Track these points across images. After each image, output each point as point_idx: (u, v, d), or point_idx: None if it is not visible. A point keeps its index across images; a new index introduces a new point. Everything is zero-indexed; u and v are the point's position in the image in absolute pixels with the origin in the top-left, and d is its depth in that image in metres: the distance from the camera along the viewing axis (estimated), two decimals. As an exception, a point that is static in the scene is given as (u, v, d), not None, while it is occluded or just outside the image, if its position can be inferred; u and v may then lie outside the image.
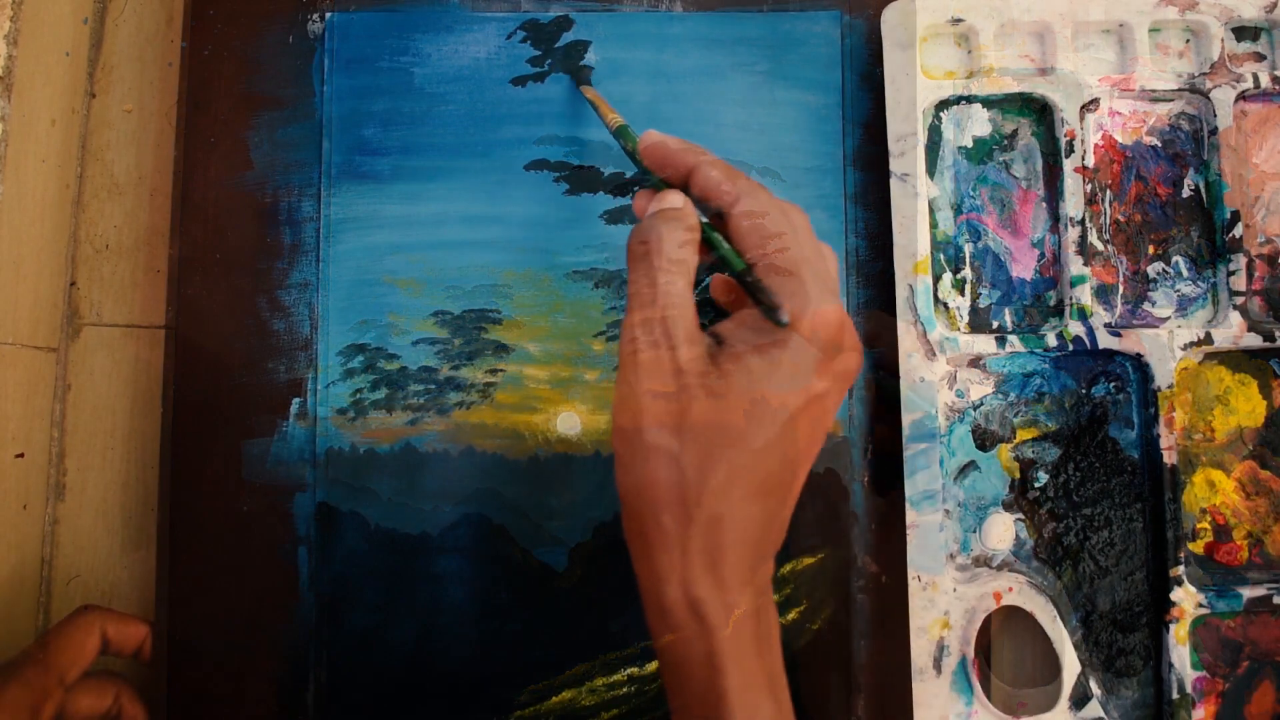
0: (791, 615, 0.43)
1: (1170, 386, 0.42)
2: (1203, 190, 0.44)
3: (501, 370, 0.43)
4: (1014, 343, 0.42)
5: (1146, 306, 0.44)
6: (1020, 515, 0.43)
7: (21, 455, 0.43)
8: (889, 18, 0.43)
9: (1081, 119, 0.43)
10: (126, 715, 0.40)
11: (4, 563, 0.42)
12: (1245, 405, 0.44)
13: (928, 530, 0.41)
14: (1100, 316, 0.43)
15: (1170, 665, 0.41)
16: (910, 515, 0.41)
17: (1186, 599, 0.41)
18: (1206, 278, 0.44)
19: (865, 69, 0.45)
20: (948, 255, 0.44)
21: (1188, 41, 0.44)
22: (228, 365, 0.43)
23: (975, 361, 0.43)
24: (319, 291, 0.44)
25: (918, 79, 0.43)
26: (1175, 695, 0.41)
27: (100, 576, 0.44)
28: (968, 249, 0.44)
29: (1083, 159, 0.43)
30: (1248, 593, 0.41)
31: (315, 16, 0.45)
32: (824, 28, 0.45)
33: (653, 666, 0.42)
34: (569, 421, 0.43)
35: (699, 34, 0.45)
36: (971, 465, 0.43)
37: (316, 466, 0.43)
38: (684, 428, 0.30)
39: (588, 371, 0.44)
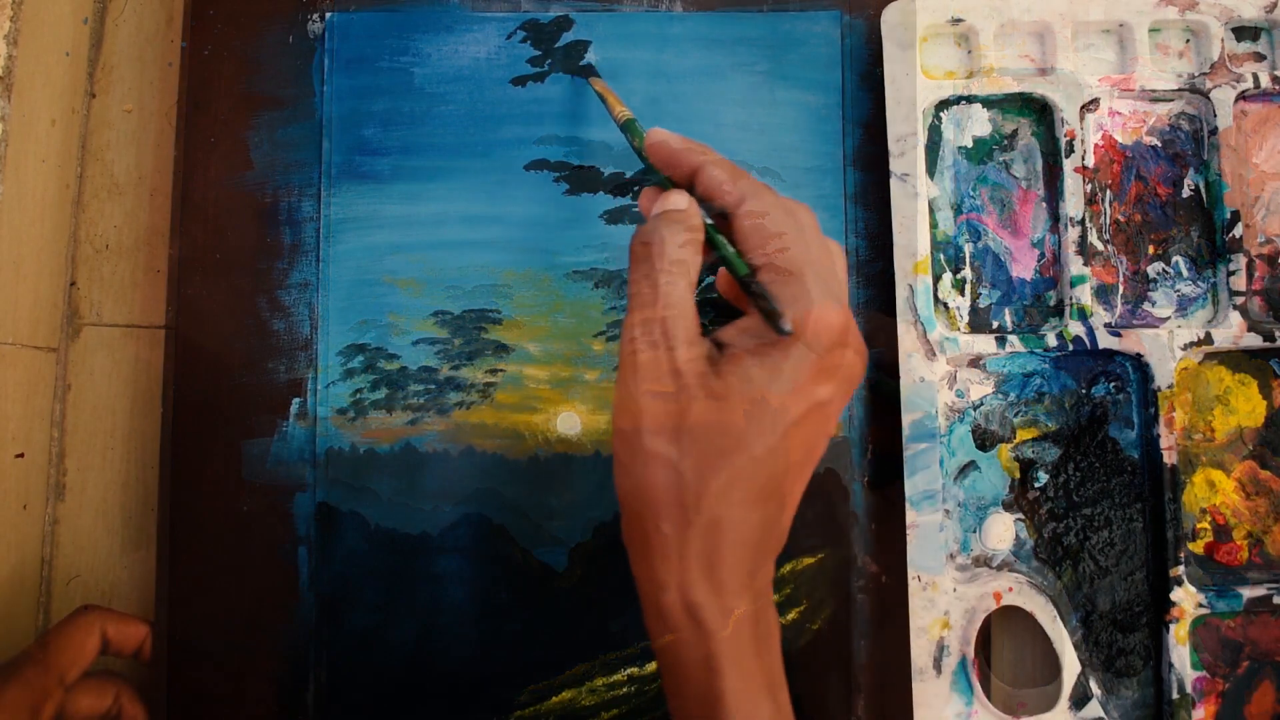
0: (791, 615, 0.43)
1: (1170, 386, 0.42)
2: (1203, 190, 0.44)
3: (501, 370, 0.43)
4: (1014, 343, 0.42)
5: (1146, 306, 0.44)
6: (1020, 515, 0.43)
7: (21, 455, 0.43)
8: (889, 18, 0.43)
9: (1081, 119, 0.43)
10: (126, 715, 0.40)
11: (4, 563, 0.42)
12: (1245, 405, 0.44)
13: (928, 530, 0.41)
14: (1100, 316, 0.43)
15: (1170, 665, 0.41)
16: (910, 515, 0.41)
17: (1186, 599, 0.41)
18: (1206, 278, 0.44)
19: (865, 69, 0.45)
20: (948, 255, 0.44)
21: (1188, 41, 0.44)
22: (228, 365, 0.43)
23: (975, 361, 0.43)
24: (319, 291, 0.44)
25: (918, 79, 0.43)
26: (1175, 695, 0.41)
27: (100, 576, 0.44)
28: (968, 249, 0.44)
29: (1083, 159, 0.43)
30: (1248, 593, 0.41)
31: (315, 16, 0.45)
32: (824, 28, 0.45)
33: (652, 666, 0.42)
34: (569, 421, 0.43)
35: (699, 34, 0.45)
36: (971, 465, 0.43)
37: (316, 466, 0.43)
38: (683, 430, 0.30)
39: (588, 371, 0.43)
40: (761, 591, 0.32)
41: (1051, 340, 0.42)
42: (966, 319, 0.44)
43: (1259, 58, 0.44)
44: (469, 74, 0.44)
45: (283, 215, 0.44)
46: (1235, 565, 0.43)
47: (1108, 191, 0.44)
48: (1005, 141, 0.44)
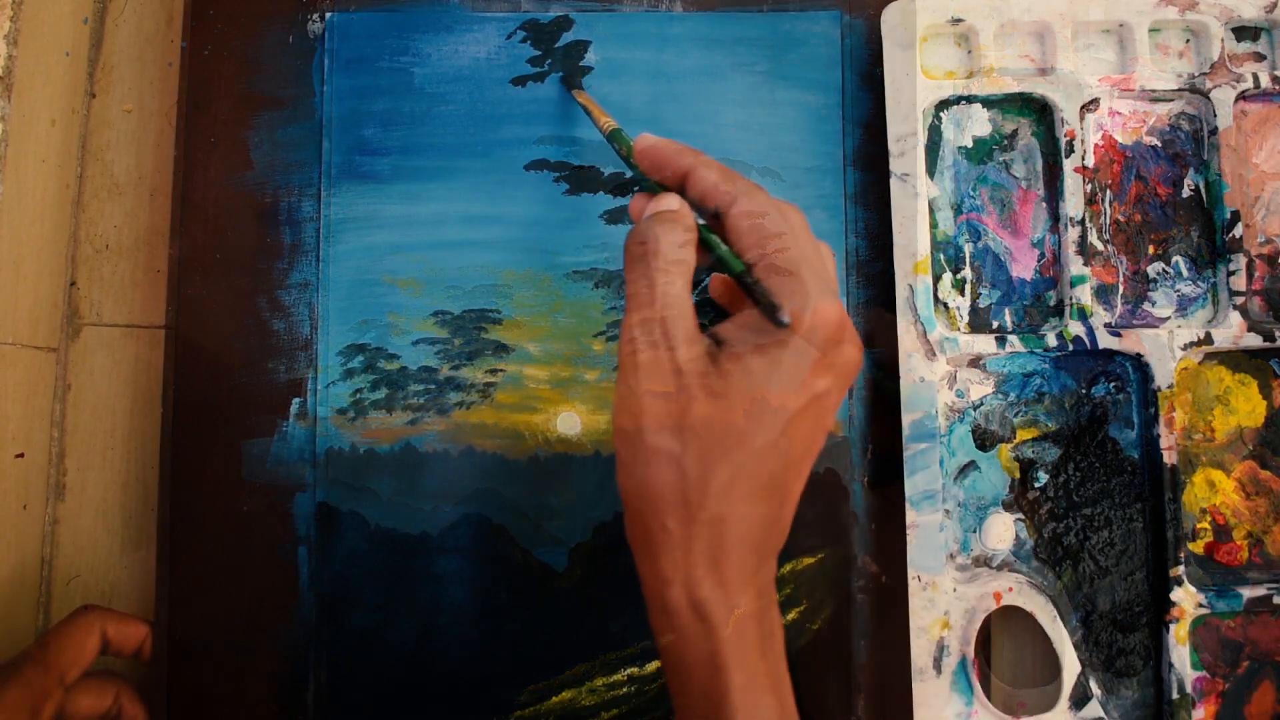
0: (791, 615, 0.43)
1: (1170, 386, 0.42)
2: (1203, 190, 0.44)
3: (501, 370, 0.43)
4: (1014, 343, 0.42)
5: (1146, 306, 0.44)
6: (1020, 515, 0.43)
7: (21, 455, 0.43)
8: (889, 18, 0.43)
9: (1081, 119, 0.43)
10: (126, 715, 0.40)
11: (4, 563, 0.42)
12: (1245, 405, 0.44)
13: (928, 530, 0.41)
14: (1100, 316, 0.43)
15: (1170, 665, 0.41)
16: (910, 515, 0.41)
17: (1186, 599, 0.41)
18: (1206, 278, 0.44)
19: (865, 69, 0.45)
20: (948, 255, 0.44)
21: (1188, 41, 0.44)
22: (228, 365, 0.43)
23: (975, 361, 0.43)
24: (319, 291, 0.44)
25: (918, 79, 0.43)
26: (1175, 695, 0.41)
27: (100, 576, 0.44)
28: (968, 249, 0.44)
29: (1083, 159, 0.43)
30: (1248, 593, 0.41)
31: (315, 16, 0.45)
32: (824, 28, 0.45)
33: (653, 666, 0.42)
34: (569, 421, 0.43)
35: (699, 34, 0.45)
36: (971, 465, 0.43)
37: (316, 466, 0.43)
38: (684, 428, 0.30)
39: (588, 371, 0.44)
40: (765, 588, 0.32)
41: (1051, 340, 0.42)
42: (966, 319, 0.44)
43: (1259, 58, 0.44)
44: (469, 74, 0.44)
45: (283, 215, 0.44)
46: (1235, 565, 0.43)
47: (1108, 191, 0.44)
48: (1005, 141, 0.44)
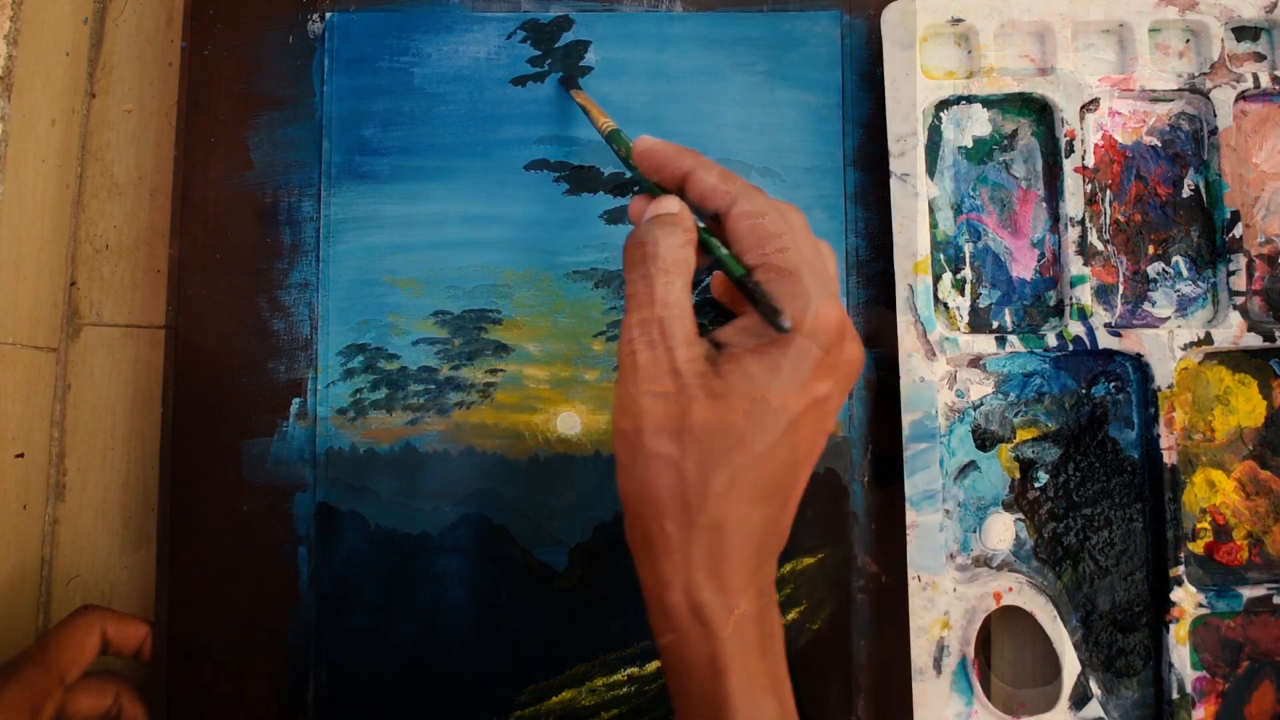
0: (791, 615, 0.43)
1: (1170, 386, 0.42)
2: (1203, 190, 0.44)
3: (501, 370, 0.43)
4: (1014, 343, 0.42)
5: (1146, 306, 0.44)
6: (1020, 515, 0.43)
7: (21, 455, 0.43)
8: (889, 18, 0.43)
9: (1081, 119, 0.43)
10: (126, 715, 0.40)
11: (4, 563, 0.42)
12: (1245, 405, 0.44)
13: (928, 530, 0.41)
14: (1100, 316, 0.43)
15: (1170, 665, 0.41)
16: (910, 515, 0.41)
17: (1186, 599, 0.41)
18: (1206, 278, 0.44)
19: (865, 69, 0.45)
20: (948, 255, 0.44)
21: (1188, 41, 0.44)
22: (228, 365, 0.43)
23: (975, 361, 0.43)
24: (319, 291, 0.44)
25: (918, 79, 0.43)
26: (1175, 695, 0.41)
27: (100, 576, 0.44)
28: (968, 249, 0.44)
29: (1083, 159, 0.43)
30: (1248, 593, 0.41)
31: (315, 16, 0.45)
32: (824, 28, 0.45)
33: (653, 666, 0.42)
34: (569, 421, 0.43)
35: (699, 34, 0.45)
36: (971, 465, 0.43)
37: (316, 466, 0.43)
38: (684, 432, 0.30)
39: (588, 371, 0.43)
40: (764, 590, 0.32)
41: (1051, 340, 0.42)
42: (966, 319, 0.44)
43: (1259, 58, 0.44)
44: (469, 74, 0.44)
45: (283, 215, 0.44)
46: (1235, 565, 0.43)
47: (1108, 191, 0.44)
48: (1005, 141, 0.44)
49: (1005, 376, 0.44)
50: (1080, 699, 0.41)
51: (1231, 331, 0.42)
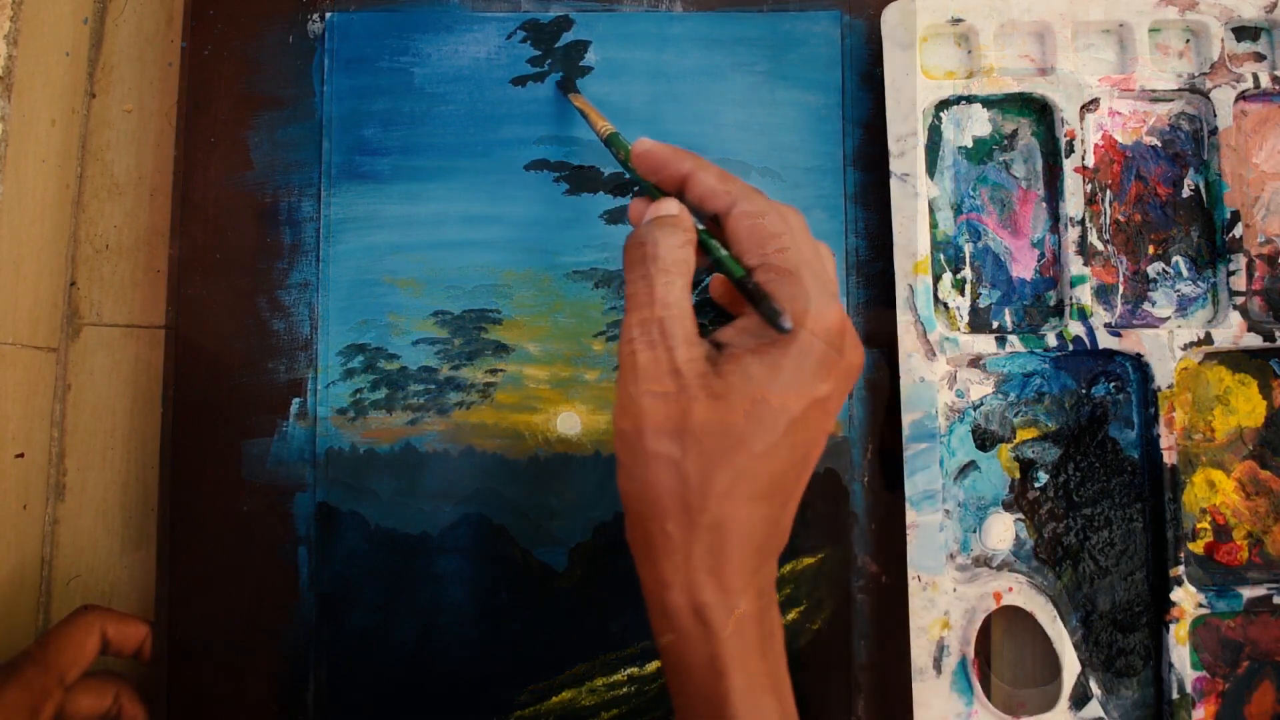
0: (791, 615, 0.43)
1: (1170, 386, 0.42)
2: (1203, 190, 0.44)
3: (501, 370, 0.43)
4: (1014, 343, 0.42)
5: (1146, 306, 0.44)
6: (1020, 515, 0.43)
7: (21, 455, 0.43)
8: (889, 18, 0.43)
9: (1081, 119, 0.43)
10: (126, 715, 0.40)
11: (4, 563, 0.42)
12: (1245, 405, 0.44)
13: (928, 530, 0.41)
14: (1100, 316, 0.43)
15: (1170, 665, 0.41)
16: (910, 515, 0.41)
17: (1186, 599, 0.41)
18: (1206, 278, 0.44)
19: (865, 69, 0.45)
20: (948, 255, 0.44)
21: (1188, 41, 0.44)
22: (228, 365, 0.43)
23: (975, 361, 0.43)
24: (319, 291, 0.44)
25: (918, 79, 0.43)
26: (1175, 695, 0.41)
27: (100, 576, 0.44)
28: (968, 249, 0.44)
29: (1083, 159, 0.43)
30: (1248, 593, 0.41)
31: (315, 16, 0.45)
32: (824, 28, 0.45)
33: (653, 666, 0.42)
34: (569, 421, 0.43)
35: (699, 34, 0.45)
36: (971, 465, 0.43)
37: (316, 466, 0.43)
38: (684, 432, 0.30)
39: (588, 371, 0.43)
40: (765, 590, 0.32)
41: (1051, 340, 0.42)
42: (966, 319, 0.44)
43: (1259, 58, 0.44)
44: (469, 74, 0.44)
45: (283, 215, 0.44)
46: (1235, 565, 0.43)
47: (1108, 191, 0.44)
48: (1005, 141, 0.44)
49: (1005, 376, 0.44)
50: (1080, 699, 0.41)
51: (1231, 331, 0.42)
